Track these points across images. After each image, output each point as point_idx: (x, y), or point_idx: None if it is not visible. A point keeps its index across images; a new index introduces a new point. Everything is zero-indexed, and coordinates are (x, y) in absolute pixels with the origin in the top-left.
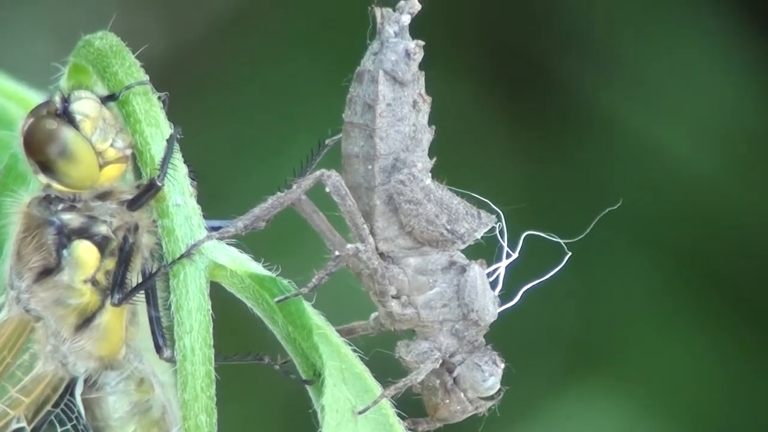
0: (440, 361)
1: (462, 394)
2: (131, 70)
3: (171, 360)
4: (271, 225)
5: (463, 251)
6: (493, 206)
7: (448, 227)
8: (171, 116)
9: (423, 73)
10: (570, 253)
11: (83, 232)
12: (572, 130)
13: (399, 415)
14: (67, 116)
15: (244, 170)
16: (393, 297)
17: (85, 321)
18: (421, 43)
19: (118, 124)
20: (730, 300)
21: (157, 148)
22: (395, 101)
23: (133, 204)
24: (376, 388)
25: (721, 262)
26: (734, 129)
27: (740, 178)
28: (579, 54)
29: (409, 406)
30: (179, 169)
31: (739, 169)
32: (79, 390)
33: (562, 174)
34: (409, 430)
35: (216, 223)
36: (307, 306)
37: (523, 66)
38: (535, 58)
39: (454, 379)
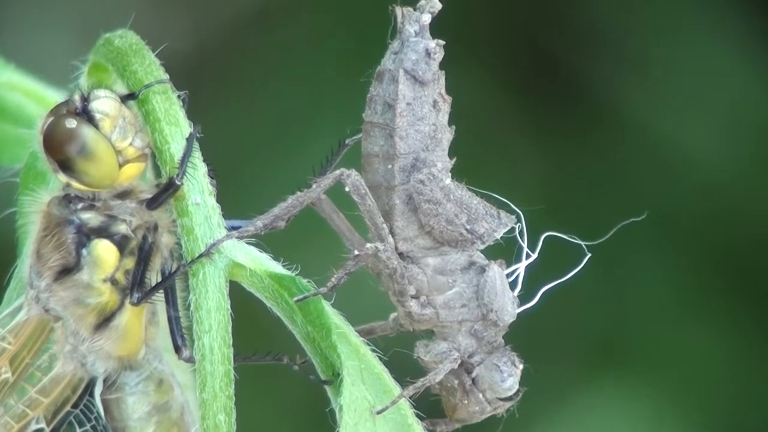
0: (459, 362)
1: (480, 395)
2: (151, 68)
3: (190, 360)
4: (291, 224)
5: (482, 251)
6: (513, 207)
7: (468, 227)
8: (190, 115)
9: (443, 72)
10: (590, 255)
11: (102, 231)
12: (592, 131)
13: (417, 415)
14: (86, 115)
15: (264, 169)
16: (412, 297)
17: (105, 320)
18: (442, 42)
19: (137, 123)
20: (756, 296)
21: (176, 147)
22: (415, 101)
23: (153, 203)
24: (395, 388)
25: (744, 258)
26: (757, 127)
27: (764, 176)
28: (601, 54)
29: (428, 406)
30: (198, 168)
31: (763, 167)
32: (98, 390)
33: (582, 175)
34: (428, 430)
35: (235, 222)
36: (326, 306)
37: (545, 67)
38: (557, 58)
39: (473, 379)
